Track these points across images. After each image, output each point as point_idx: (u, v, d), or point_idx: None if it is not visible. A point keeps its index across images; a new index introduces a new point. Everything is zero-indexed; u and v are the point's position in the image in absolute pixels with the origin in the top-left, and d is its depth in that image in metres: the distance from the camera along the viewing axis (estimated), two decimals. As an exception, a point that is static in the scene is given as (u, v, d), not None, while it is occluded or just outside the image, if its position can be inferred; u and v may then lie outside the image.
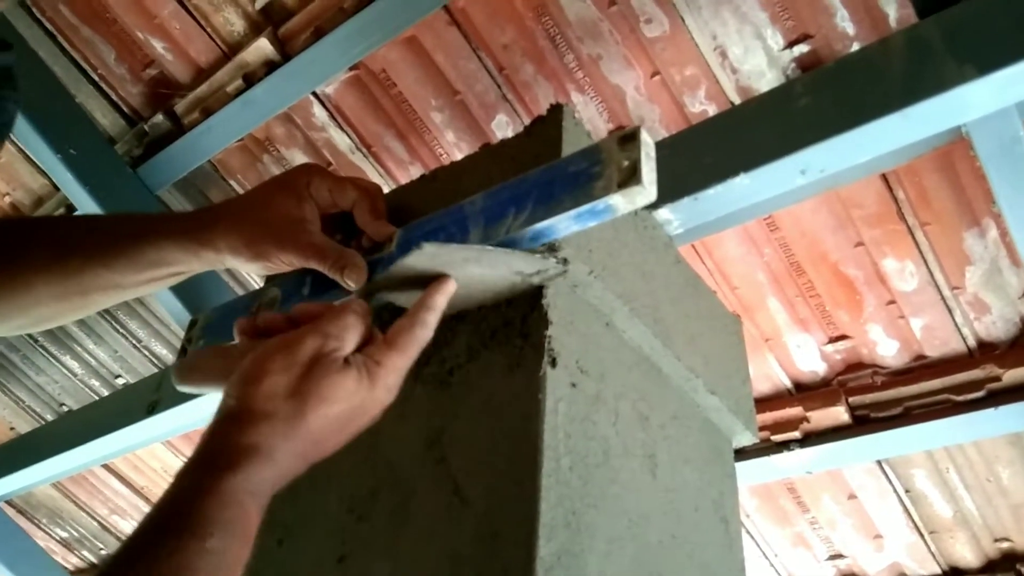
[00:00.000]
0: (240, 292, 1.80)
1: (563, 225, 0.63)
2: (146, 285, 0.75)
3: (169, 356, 2.22)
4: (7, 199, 1.98)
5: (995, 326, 1.36)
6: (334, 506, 0.69)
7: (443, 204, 0.72)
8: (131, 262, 0.72)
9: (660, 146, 0.92)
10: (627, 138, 0.62)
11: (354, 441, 0.72)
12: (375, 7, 1.32)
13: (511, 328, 0.66)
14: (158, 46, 1.57)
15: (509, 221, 0.65)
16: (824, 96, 0.88)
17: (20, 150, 1.85)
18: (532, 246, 0.65)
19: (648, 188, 0.59)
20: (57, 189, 1.86)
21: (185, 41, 1.54)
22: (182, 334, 0.87)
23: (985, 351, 1.39)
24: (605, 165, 0.62)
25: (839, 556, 1.79)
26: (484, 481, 0.60)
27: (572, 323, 0.68)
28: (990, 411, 1.36)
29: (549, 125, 0.76)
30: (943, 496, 1.60)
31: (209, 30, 1.51)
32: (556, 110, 0.76)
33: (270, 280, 0.83)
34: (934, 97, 0.80)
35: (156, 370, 2.21)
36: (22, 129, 1.56)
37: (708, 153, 0.93)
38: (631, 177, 0.59)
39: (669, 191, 0.92)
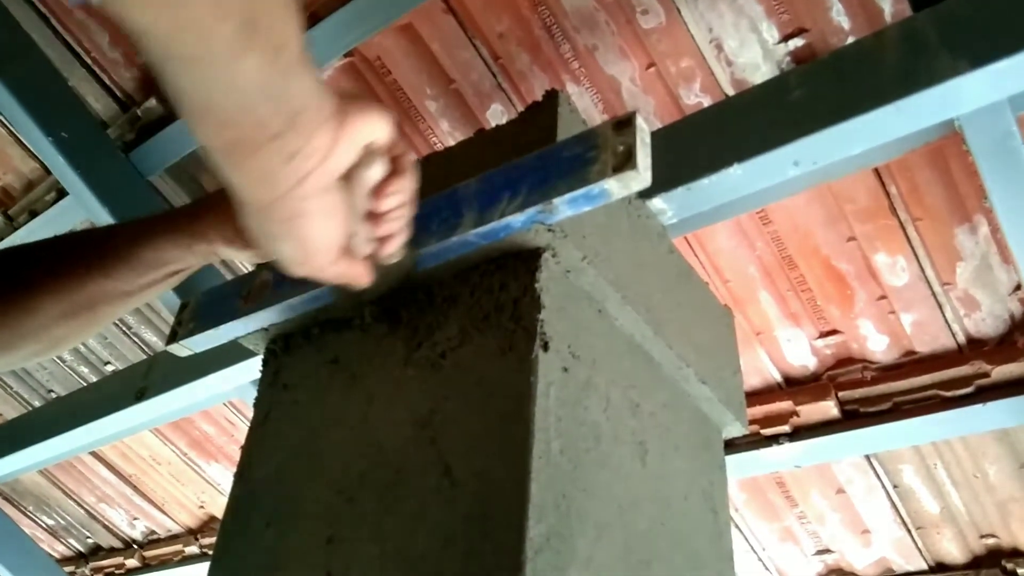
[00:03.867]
0: (230, 277, 1.79)
1: (557, 209, 0.63)
2: (149, 289, 0.74)
3: (159, 343, 2.21)
4: (-2, 183, 1.97)
5: (984, 323, 1.37)
6: (323, 488, 0.69)
7: (437, 189, 0.72)
8: (129, 266, 0.72)
9: (654, 136, 0.92)
10: (622, 123, 0.62)
11: (344, 423, 0.72)
12: (371, -6, 1.32)
13: (503, 312, 0.66)
14: (152, 30, 1.56)
15: (503, 205, 0.65)
16: (818, 88, 0.89)
17: (11, 133, 1.83)
18: (526, 229, 0.65)
19: (643, 173, 0.60)
20: (48, 173, 1.85)
21: (179, 26, 1.53)
22: (172, 321, 0.87)
23: (974, 347, 1.40)
24: (600, 150, 0.62)
25: (827, 551, 1.80)
26: (475, 463, 0.60)
27: (564, 308, 0.68)
28: (978, 407, 1.37)
29: (544, 111, 0.76)
30: (930, 492, 1.61)
31: (203, 15, 1.50)
32: (551, 96, 0.76)
33: (262, 265, 0.83)
34: (928, 90, 0.80)
35: (145, 357, 2.20)
36: (14, 112, 1.55)
37: (702, 143, 0.93)
38: (626, 162, 0.60)
39: (663, 181, 0.92)
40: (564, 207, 0.63)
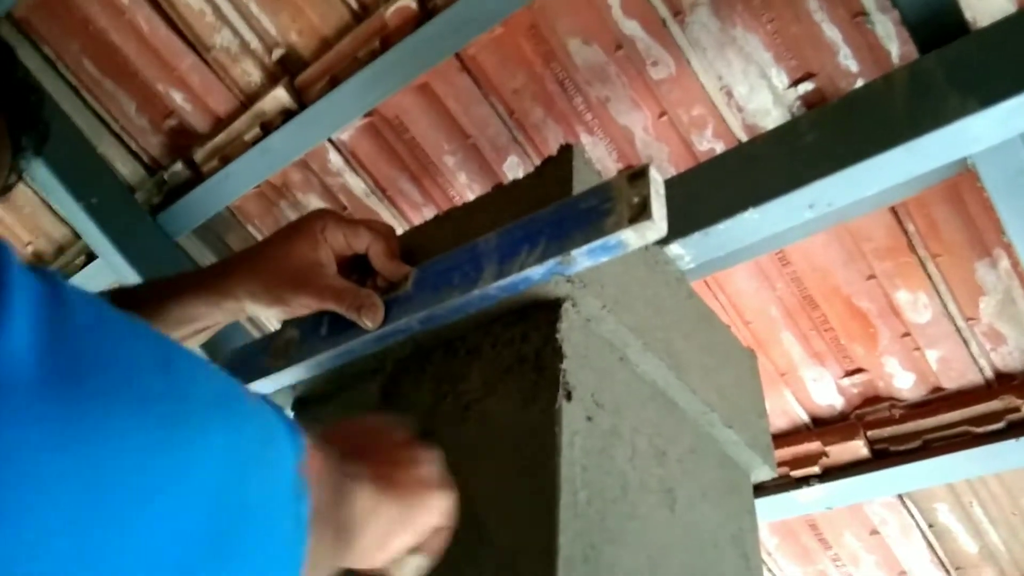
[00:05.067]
0: (257, 336, 1.82)
1: (576, 260, 0.64)
2: None
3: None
4: (30, 247, 2.02)
5: (1012, 356, 1.36)
6: (354, 544, 0.69)
7: (457, 243, 0.74)
8: (159, 323, 0.73)
9: (669, 183, 0.94)
10: (636, 175, 0.63)
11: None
12: (388, 56, 1.35)
13: (526, 363, 0.67)
14: (177, 97, 1.61)
15: (522, 258, 0.67)
16: (830, 131, 0.90)
17: (42, 200, 1.89)
18: (545, 280, 0.66)
19: (658, 223, 0.61)
20: (78, 237, 1.90)
21: (204, 92, 1.59)
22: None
23: (1003, 382, 1.38)
24: (616, 202, 0.63)
25: (863, 595, 1.76)
26: (503, 515, 0.60)
27: (586, 357, 0.69)
28: (1011, 442, 1.35)
29: (560, 165, 0.77)
30: (967, 530, 1.57)
31: (227, 81, 1.56)
32: (566, 150, 0.78)
33: (287, 323, 0.85)
34: (938, 130, 0.81)
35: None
36: (45, 179, 1.60)
37: (717, 189, 0.95)
38: (641, 212, 0.61)
39: (679, 227, 0.93)
40: (582, 258, 0.64)
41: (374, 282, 0.77)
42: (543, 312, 0.69)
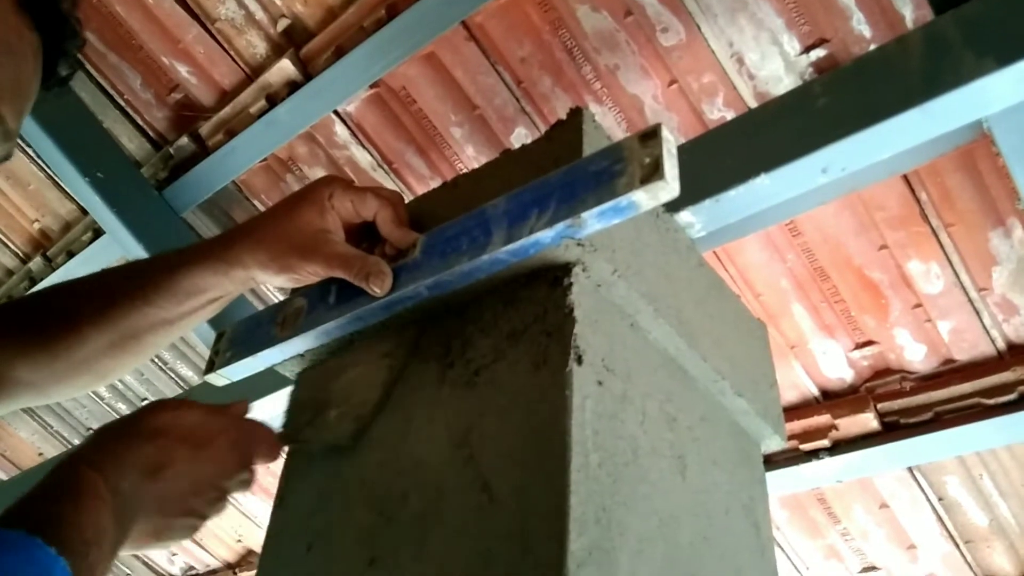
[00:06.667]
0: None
1: (586, 223, 0.64)
2: (191, 316, 0.77)
3: (195, 378, 2.24)
4: (36, 225, 2.02)
5: (1025, 327, 1.35)
6: (363, 509, 0.69)
7: (465, 210, 0.73)
8: (170, 294, 0.74)
9: (680, 150, 0.93)
10: (648, 135, 0.62)
11: (383, 445, 0.72)
12: (394, 25, 1.34)
13: (536, 327, 0.67)
14: (182, 70, 1.60)
15: (532, 222, 0.66)
16: (843, 95, 0.88)
17: (49, 176, 1.88)
18: (555, 244, 0.65)
19: (671, 183, 0.60)
20: (85, 213, 1.89)
21: (209, 65, 1.57)
22: (206, 355, 0.88)
23: (1015, 353, 1.37)
24: (627, 162, 0.62)
25: (872, 568, 1.76)
26: (513, 478, 0.60)
27: (597, 322, 0.68)
28: (1023, 414, 1.34)
29: (569, 129, 0.76)
30: (977, 504, 1.57)
31: (232, 53, 1.54)
32: (576, 114, 0.77)
33: (295, 292, 0.84)
34: (954, 91, 0.80)
35: (181, 391, 2.23)
36: (51, 155, 1.59)
37: (728, 155, 0.93)
38: (654, 173, 0.60)
39: (690, 193, 0.92)
40: (593, 221, 0.63)
41: (382, 249, 0.77)
42: (554, 276, 0.68)
